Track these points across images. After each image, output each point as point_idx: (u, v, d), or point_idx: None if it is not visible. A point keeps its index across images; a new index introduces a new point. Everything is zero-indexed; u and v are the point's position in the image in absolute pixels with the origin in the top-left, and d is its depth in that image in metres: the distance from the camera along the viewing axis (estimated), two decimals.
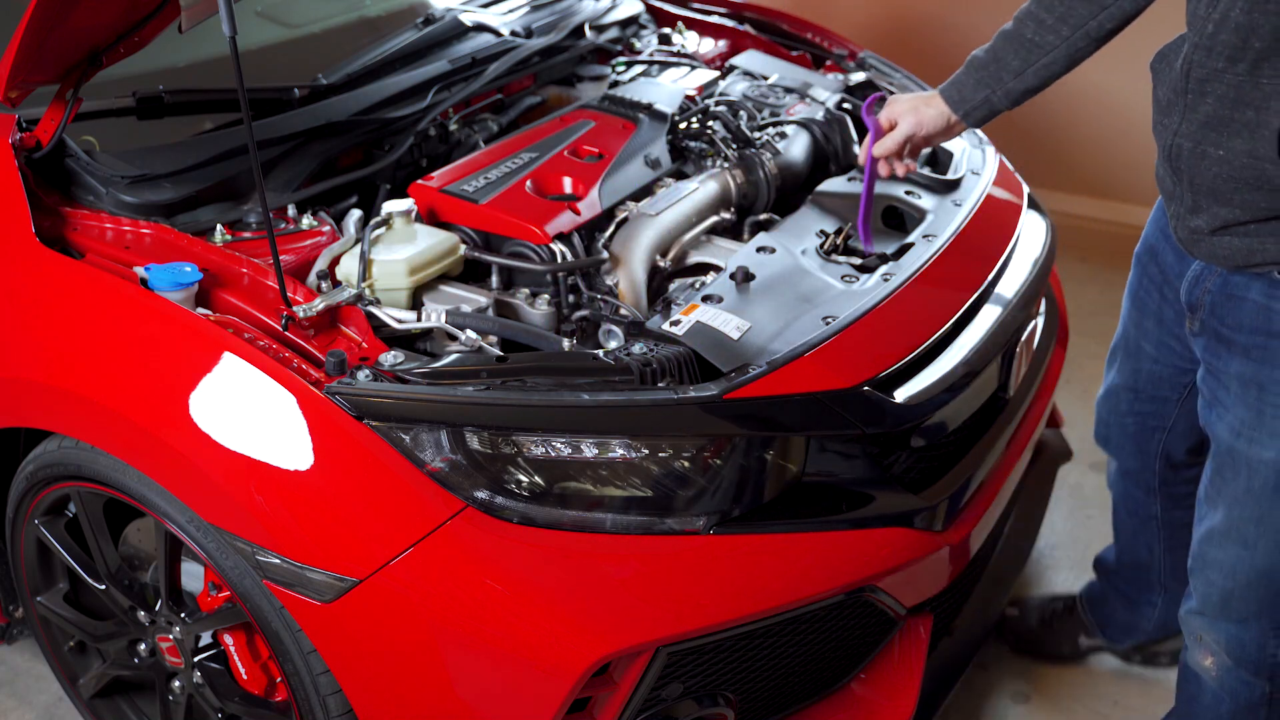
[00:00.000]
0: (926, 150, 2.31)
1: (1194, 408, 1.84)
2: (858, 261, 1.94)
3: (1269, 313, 1.58)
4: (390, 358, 1.64)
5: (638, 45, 2.79)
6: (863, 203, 1.92)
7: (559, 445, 1.59)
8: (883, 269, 1.89)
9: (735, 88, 2.48)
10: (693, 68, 2.60)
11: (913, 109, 1.84)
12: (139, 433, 1.66)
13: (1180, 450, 2.03)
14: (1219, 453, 1.72)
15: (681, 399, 1.58)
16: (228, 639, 1.84)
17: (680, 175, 2.22)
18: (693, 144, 2.26)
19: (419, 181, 2.00)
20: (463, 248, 1.89)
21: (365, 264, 1.79)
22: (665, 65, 2.61)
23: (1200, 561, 1.78)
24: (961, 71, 1.82)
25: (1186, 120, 1.55)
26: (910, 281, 1.86)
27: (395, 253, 1.80)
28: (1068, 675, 2.35)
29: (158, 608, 1.89)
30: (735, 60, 2.64)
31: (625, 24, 2.81)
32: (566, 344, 1.75)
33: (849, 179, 2.17)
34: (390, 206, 1.89)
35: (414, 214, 1.91)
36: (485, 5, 2.67)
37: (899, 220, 2.11)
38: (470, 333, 1.75)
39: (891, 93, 2.55)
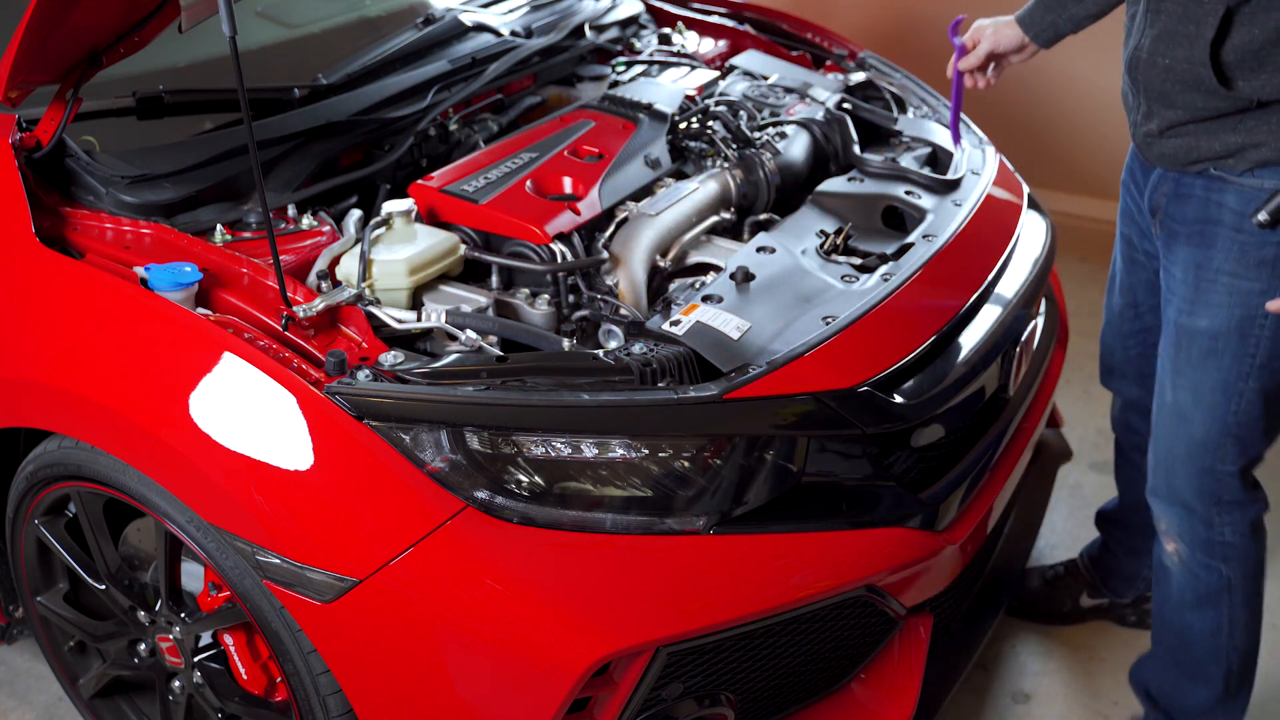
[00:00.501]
0: (927, 149, 2.31)
1: None
2: (858, 261, 1.95)
3: (1207, 203, 1.80)
4: (390, 358, 1.64)
5: (638, 45, 2.79)
6: (953, 111, 2.25)
7: (559, 445, 1.59)
8: (883, 269, 1.89)
9: (735, 88, 2.48)
10: (693, 68, 2.60)
11: (994, 29, 2.08)
12: (139, 433, 1.66)
13: None
14: (1167, 335, 1.90)
15: (681, 399, 1.58)
16: (228, 639, 1.84)
17: (680, 175, 2.21)
18: (693, 144, 2.25)
19: (419, 181, 2.00)
20: (463, 248, 1.89)
21: (365, 264, 1.79)
22: (665, 65, 2.61)
23: (1153, 438, 1.97)
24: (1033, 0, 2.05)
25: (1145, 35, 1.80)
26: (910, 281, 1.86)
27: (395, 253, 1.80)
28: (1068, 675, 2.35)
29: (158, 608, 1.89)
30: (735, 60, 2.64)
31: (625, 24, 2.81)
32: (566, 344, 1.75)
33: (849, 179, 2.18)
34: (390, 206, 1.89)
35: (414, 214, 1.91)
36: (485, 5, 2.67)
37: (899, 220, 2.11)
38: (470, 333, 1.74)
39: (896, 92, 2.56)
